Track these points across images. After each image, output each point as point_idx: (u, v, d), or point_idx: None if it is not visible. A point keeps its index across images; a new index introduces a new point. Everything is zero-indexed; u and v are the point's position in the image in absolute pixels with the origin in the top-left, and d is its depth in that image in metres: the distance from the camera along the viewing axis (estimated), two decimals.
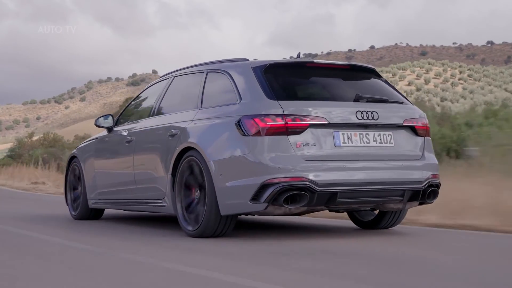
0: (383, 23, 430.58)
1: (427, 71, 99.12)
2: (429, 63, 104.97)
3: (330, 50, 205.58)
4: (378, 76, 6.11)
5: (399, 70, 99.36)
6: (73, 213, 7.95)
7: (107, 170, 7.28)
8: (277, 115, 5.18)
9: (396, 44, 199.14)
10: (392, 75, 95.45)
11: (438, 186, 5.74)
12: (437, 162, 5.85)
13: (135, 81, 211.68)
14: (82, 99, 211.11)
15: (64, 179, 8.29)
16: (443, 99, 78.81)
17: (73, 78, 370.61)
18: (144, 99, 7.31)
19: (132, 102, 7.45)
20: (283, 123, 5.17)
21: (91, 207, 7.62)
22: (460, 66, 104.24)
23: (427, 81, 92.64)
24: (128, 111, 7.39)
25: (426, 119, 5.87)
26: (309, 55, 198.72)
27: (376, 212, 6.28)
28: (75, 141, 50.49)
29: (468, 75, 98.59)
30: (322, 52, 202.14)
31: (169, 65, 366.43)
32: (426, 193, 5.61)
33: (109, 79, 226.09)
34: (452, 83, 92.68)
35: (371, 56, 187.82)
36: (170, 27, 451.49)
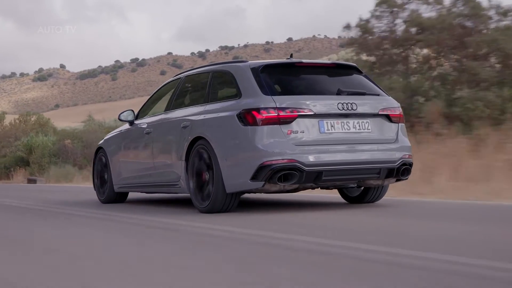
0: (294, 17, 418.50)
1: None
2: None
3: (247, 43, 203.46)
4: (359, 72, 7.12)
5: None
6: (100, 197, 9.05)
7: (130, 158, 8.36)
8: (271, 108, 6.21)
9: (314, 36, 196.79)
10: None
11: (411, 164, 6.74)
12: (410, 145, 6.85)
13: (42, 76, 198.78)
14: None
15: (92, 167, 9.40)
16: None
17: None
18: (159, 96, 8.38)
19: (150, 99, 8.51)
20: (276, 114, 6.20)
21: (116, 191, 8.71)
22: None
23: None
24: (147, 107, 8.47)
25: (400, 108, 6.88)
26: (225, 47, 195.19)
27: (362, 188, 7.30)
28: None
29: None
30: (239, 45, 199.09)
31: (77, 60, 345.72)
32: (400, 170, 6.62)
33: (13, 74, 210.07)
34: None
35: (290, 48, 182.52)
36: (78, 21, 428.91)
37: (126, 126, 8.66)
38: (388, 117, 6.69)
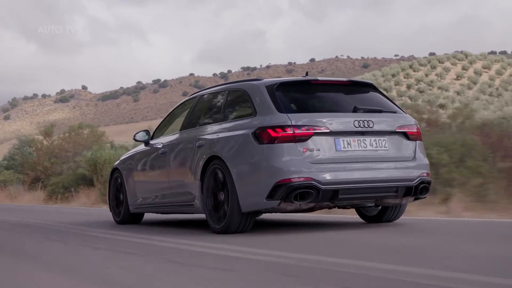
0: (315, 38, 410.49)
1: (471, 63, 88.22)
2: (466, 56, 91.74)
3: (269, 64, 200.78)
4: (375, 89, 7.03)
5: (439, 62, 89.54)
6: (116, 218, 9.00)
7: (145, 179, 8.31)
8: (286, 126, 6.14)
9: (336, 56, 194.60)
10: (432, 67, 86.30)
11: (429, 182, 6.61)
12: (427, 162, 6.72)
13: (64, 97, 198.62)
14: (7, 117, 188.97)
15: (108, 188, 9.36)
16: None
17: None
18: (175, 115, 8.35)
19: (165, 118, 8.48)
20: (292, 132, 6.12)
21: (132, 212, 8.66)
22: (502, 60, 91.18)
23: (477, 74, 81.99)
24: (162, 126, 8.44)
25: (417, 125, 6.77)
26: (248, 68, 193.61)
27: (380, 207, 7.18)
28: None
29: None
30: (261, 66, 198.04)
31: (98, 81, 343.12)
32: (418, 189, 6.49)
33: (35, 96, 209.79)
34: None
35: (312, 69, 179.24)
36: (98, 43, 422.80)
37: (142, 146, 8.62)
38: (406, 135, 6.59)
